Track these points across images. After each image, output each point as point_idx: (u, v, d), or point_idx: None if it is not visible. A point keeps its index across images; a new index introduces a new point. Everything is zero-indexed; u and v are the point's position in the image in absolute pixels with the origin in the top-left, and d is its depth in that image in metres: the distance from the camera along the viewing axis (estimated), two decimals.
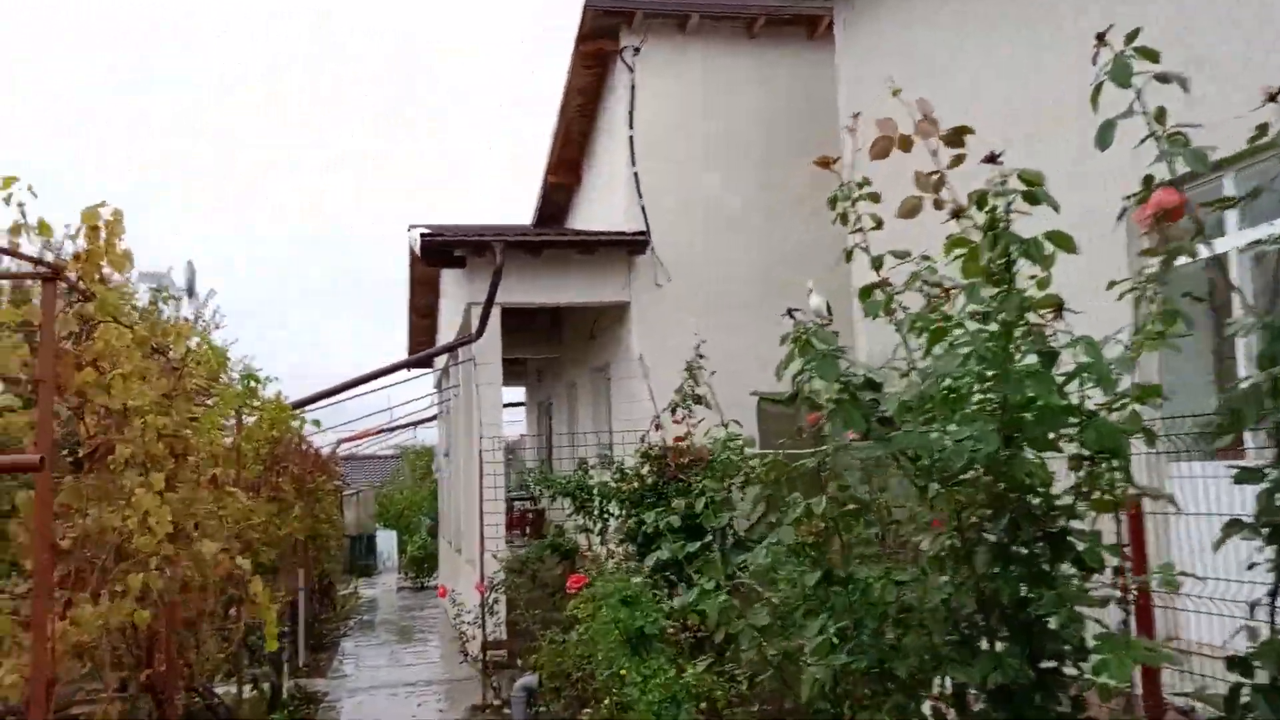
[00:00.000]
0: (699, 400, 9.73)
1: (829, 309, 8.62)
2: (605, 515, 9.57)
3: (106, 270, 4.11)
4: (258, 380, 8.48)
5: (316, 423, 10.55)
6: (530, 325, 17.41)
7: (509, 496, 14.98)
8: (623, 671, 4.39)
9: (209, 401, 6.56)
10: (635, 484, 8.82)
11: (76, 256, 3.90)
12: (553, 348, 17.11)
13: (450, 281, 14.50)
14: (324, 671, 11.97)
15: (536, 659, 9.16)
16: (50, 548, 3.58)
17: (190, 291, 8.48)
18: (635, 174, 12.00)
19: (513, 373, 19.79)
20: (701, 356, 9.83)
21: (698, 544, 8.75)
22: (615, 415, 12.23)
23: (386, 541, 27.90)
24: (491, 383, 11.32)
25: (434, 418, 20.90)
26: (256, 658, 8.79)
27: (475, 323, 11.30)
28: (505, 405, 12.81)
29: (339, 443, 19.09)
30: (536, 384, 21.24)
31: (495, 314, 11.38)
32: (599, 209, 13.58)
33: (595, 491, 9.57)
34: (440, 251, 11.92)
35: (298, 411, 10.56)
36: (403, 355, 21.78)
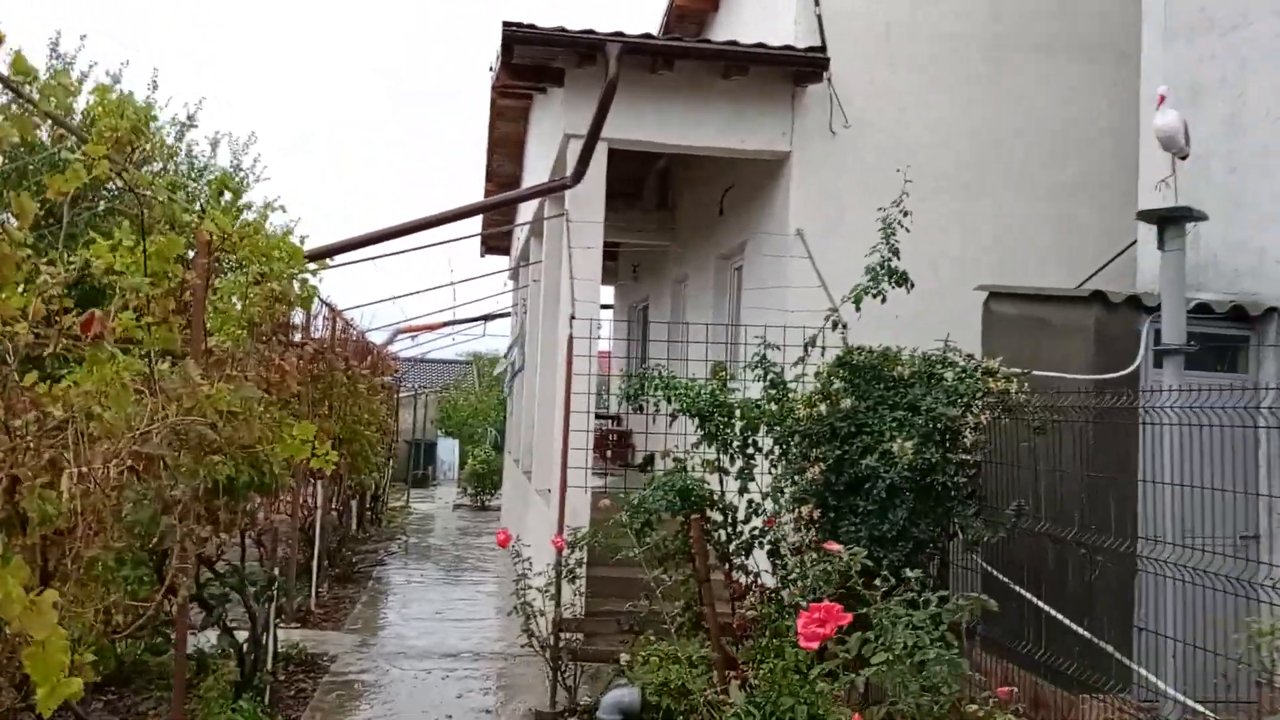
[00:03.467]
0: (901, 280, 6.32)
1: (1187, 135, 5.13)
2: (751, 450, 6.32)
3: None
4: (235, 191, 5.28)
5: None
6: (632, 205, 14.04)
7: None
8: None
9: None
10: (820, 406, 5.49)
11: None
12: (662, 232, 13.66)
13: (542, 121, 11.11)
14: (340, 619, 9.05)
15: (638, 655, 6.04)
16: None
17: None
18: None
19: (604, 268, 16.43)
20: (905, 213, 6.40)
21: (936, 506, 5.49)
22: (747, 310, 8.88)
23: (448, 450, 25.61)
24: (590, 246, 8.03)
25: (490, 316, 17.86)
26: (219, 606, 5.78)
27: (572, 162, 7.99)
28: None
29: (395, 332, 16.13)
30: (631, 284, 17.82)
31: (601, 152, 8.06)
32: (748, 35, 10.04)
33: (738, 414, 6.30)
34: (530, 66, 8.59)
35: (319, 263, 7.42)
36: (476, 252, 18.60)
